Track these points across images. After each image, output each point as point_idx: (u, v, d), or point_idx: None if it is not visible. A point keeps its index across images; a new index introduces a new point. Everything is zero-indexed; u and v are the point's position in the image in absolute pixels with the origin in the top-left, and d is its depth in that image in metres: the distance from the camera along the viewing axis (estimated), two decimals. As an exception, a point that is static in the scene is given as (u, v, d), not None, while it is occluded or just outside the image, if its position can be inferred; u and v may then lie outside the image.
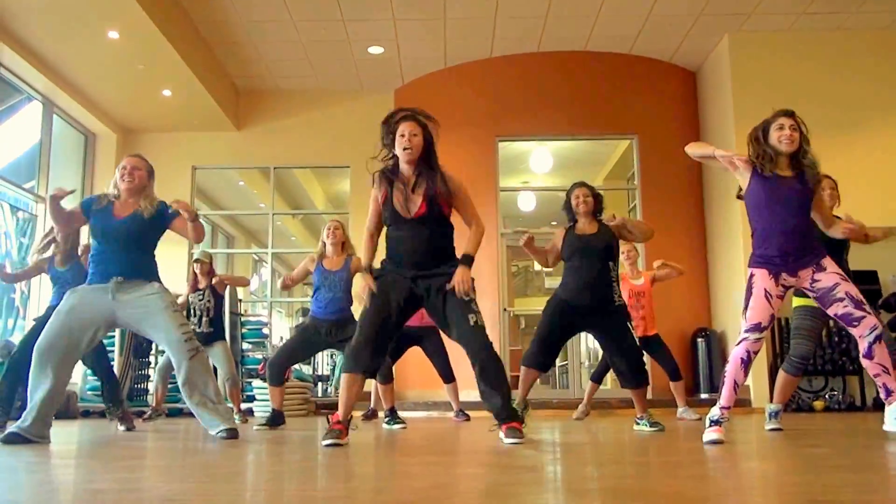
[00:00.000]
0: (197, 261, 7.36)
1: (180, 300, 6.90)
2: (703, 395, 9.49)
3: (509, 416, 3.94)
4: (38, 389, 4.05)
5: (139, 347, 9.20)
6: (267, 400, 8.15)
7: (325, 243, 6.05)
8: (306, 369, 11.53)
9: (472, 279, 4.02)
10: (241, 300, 10.90)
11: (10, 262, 8.81)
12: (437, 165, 4.05)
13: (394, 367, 6.85)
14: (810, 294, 3.98)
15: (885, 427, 3.81)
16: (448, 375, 6.97)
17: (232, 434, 4.10)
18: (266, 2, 9.00)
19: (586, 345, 11.41)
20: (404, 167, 4.06)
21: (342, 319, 5.84)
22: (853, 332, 3.84)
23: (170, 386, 7.27)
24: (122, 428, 5.91)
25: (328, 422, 3.90)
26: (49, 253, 6.14)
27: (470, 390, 9.25)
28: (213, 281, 7.28)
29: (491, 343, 3.99)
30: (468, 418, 7.31)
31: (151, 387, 8.26)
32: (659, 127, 10.55)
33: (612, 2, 9.10)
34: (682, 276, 10.10)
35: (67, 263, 5.95)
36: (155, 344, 8.40)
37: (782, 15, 9.40)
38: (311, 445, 4.29)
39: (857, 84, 9.53)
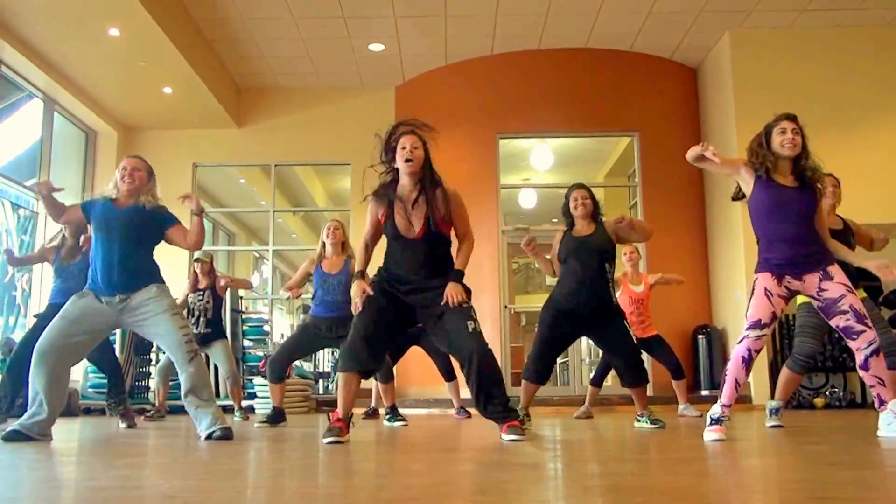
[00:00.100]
0: (197, 260, 7.36)
1: (179, 300, 6.91)
2: (704, 392, 9.49)
3: (509, 416, 3.94)
4: (38, 389, 4.05)
5: (140, 345, 9.21)
6: (268, 397, 8.17)
7: (324, 243, 6.02)
8: (307, 366, 11.54)
9: (469, 290, 4.02)
10: (242, 297, 10.91)
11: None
12: (437, 179, 4.06)
13: (394, 367, 6.86)
14: (815, 302, 3.96)
15: (880, 433, 3.83)
16: (449, 373, 6.97)
17: (226, 433, 4.10)
18: (267, -1, 9.01)
19: (587, 342, 11.38)
20: (405, 181, 4.06)
21: (342, 317, 5.83)
22: (851, 344, 3.86)
23: (171, 383, 7.27)
24: (123, 425, 5.92)
25: (329, 419, 3.91)
26: (56, 243, 6.14)
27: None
28: (219, 286, 7.28)
29: (489, 348, 3.95)
30: (469, 415, 7.32)
31: (153, 384, 8.27)
32: (660, 124, 10.55)
33: (612, -1, 9.10)
34: (683, 273, 10.06)
35: (75, 258, 5.94)
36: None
37: (783, 12, 9.39)
38: (311, 443, 4.29)
39: (857, 81, 9.53)
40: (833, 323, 3.90)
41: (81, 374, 9.03)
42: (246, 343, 10.33)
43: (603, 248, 4.98)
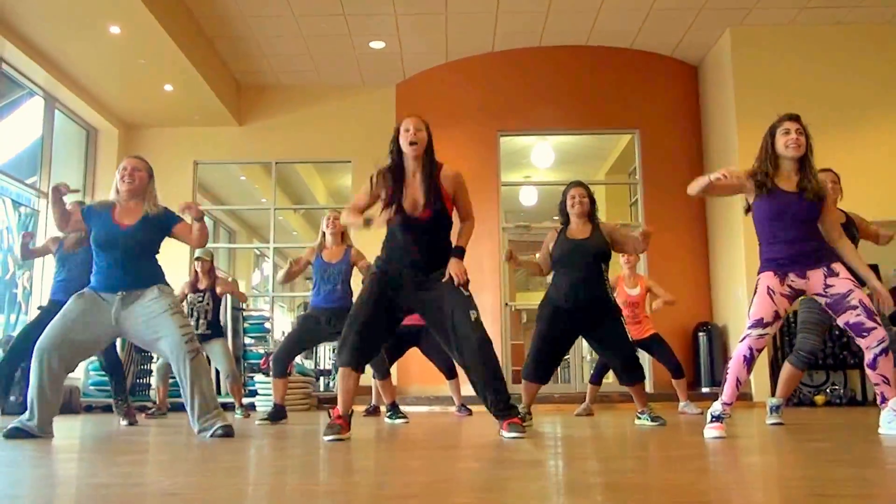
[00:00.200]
0: (198, 259, 7.36)
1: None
2: (705, 390, 9.50)
3: (510, 412, 3.94)
4: (37, 387, 4.04)
5: (141, 342, 9.21)
6: (269, 394, 8.17)
7: (324, 234, 6.05)
8: (308, 364, 11.55)
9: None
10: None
11: (13, 258, 8.84)
12: (439, 163, 4.10)
13: (393, 365, 6.86)
14: (822, 300, 3.93)
15: (881, 431, 3.83)
16: (450, 371, 6.97)
17: (227, 431, 4.10)
18: (267, -4, 9.01)
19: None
20: (409, 164, 4.08)
21: (341, 308, 5.84)
22: (861, 342, 3.82)
23: (170, 380, 7.27)
24: (124, 423, 5.93)
25: (329, 416, 3.92)
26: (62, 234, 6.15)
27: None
28: (218, 291, 7.28)
29: (490, 340, 3.97)
30: (470, 413, 7.32)
31: (153, 382, 8.27)
32: (660, 121, 10.55)
33: (613, -4, 9.10)
34: (684, 271, 10.18)
35: (81, 245, 5.92)
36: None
37: (783, 9, 9.38)
38: (312, 440, 4.29)
39: (858, 79, 9.52)
40: (842, 320, 3.86)
41: (83, 371, 9.04)
42: (247, 341, 10.34)
43: (599, 250, 4.97)
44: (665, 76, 10.69)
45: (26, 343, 5.69)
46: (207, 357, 7.15)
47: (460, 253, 4.07)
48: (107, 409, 8.73)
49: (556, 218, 5.22)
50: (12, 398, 7.23)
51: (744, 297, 8.92)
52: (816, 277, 3.88)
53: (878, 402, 3.90)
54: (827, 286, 3.86)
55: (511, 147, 11.19)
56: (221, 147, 11.36)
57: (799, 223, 3.91)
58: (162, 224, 4.34)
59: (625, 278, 7.00)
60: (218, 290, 7.30)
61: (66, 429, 5.34)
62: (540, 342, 5.01)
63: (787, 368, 5.05)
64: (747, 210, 4.12)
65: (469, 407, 7.42)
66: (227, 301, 9.03)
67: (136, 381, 9.31)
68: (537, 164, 11.71)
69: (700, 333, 9.84)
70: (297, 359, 7.41)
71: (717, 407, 3.86)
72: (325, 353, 13.53)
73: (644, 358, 6.88)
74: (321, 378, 11.72)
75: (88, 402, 9.02)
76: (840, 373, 9.17)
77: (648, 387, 8.94)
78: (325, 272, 5.88)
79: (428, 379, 8.85)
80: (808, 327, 5.00)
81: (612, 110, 10.50)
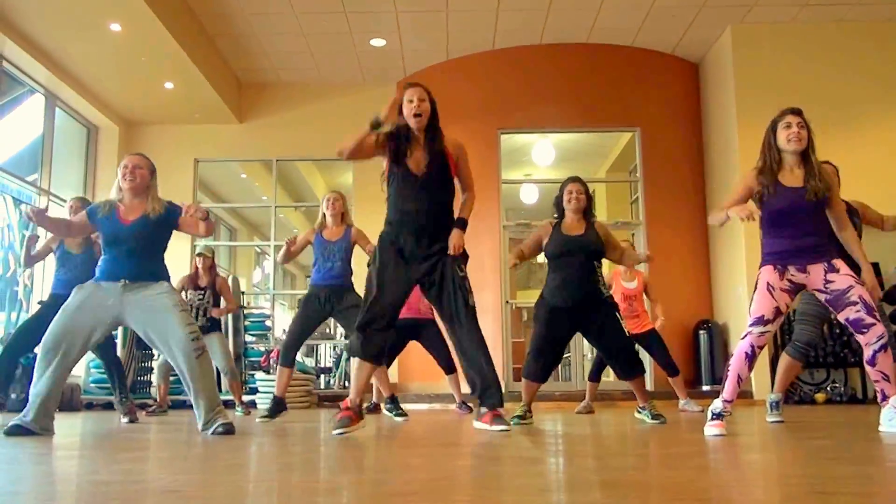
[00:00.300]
0: (200, 255, 7.35)
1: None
2: (706, 388, 9.50)
3: (499, 403, 3.97)
4: (40, 383, 4.05)
5: (142, 340, 9.21)
6: (269, 392, 8.16)
7: (325, 214, 6.07)
8: (309, 361, 11.56)
9: (467, 255, 4.13)
10: (244, 293, 10.92)
11: (14, 255, 8.84)
12: (440, 130, 4.16)
13: (394, 360, 6.85)
14: (822, 296, 3.93)
15: (881, 429, 3.83)
16: (449, 366, 6.96)
17: (228, 428, 4.11)
18: (268, -6, 9.01)
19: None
20: (414, 133, 4.11)
21: (340, 286, 5.86)
22: (860, 338, 3.82)
23: (171, 378, 7.26)
24: (125, 420, 5.93)
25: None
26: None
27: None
28: (217, 287, 7.27)
29: (480, 329, 4.02)
30: (470, 410, 7.32)
31: (155, 379, 8.27)
32: (661, 119, 10.55)
33: (614, -6, 9.09)
34: (684, 269, 10.19)
35: (80, 246, 5.93)
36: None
37: (784, 7, 9.37)
38: (313, 437, 4.30)
39: (859, 77, 9.52)
40: (842, 316, 3.86)
41: (83, 369, 9.04)
42: (248, 338, 10.34)
43: (593, 248, 4.98)
44: (666, 74, 10.68)
45: (25, 337, 5.70)
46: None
47: (463, 224, 4.13)
48: (107, 406, 8.73)
49: (557, 216, 5.20)
50: (13, 395, 7.24)
51: (744, 295, 8.92)
52: (817, 272, 3.88)
53: (879, 399, 3.90)
54: (827, 282, 3.86)
55: (512, 145, 11.19)
56: (222, 145, 11.36)
57: (807, 217, 3.90)
58: (166, 219, 4.32)
59: (621, 273, 6.97)
60: (214, 313, 7.25)
61: (67, 426, 5.34)
62: (538, 342, 5.01)
63: (784, 360, 5.08)
64: (760, 201, 4.07)
65: (469, 404, 7.42)
66: (234, 300, 9.02)
67: (136, 379, 9.32)
68: (538, 161, 11.71)
69: (701, 331, 9.84)
70: (298, 357, 7.40)
71: (717, 404, 3.86)
72: (326, 351, 13.54)
73: (644, 353, 6.88)
74: (321, 376, 11.72)
75: (89, 399, 9.02)
76: (841, 370, 9.17)
77: (649, 385, 8.93)
78: (325, 250, 5.91)
79: (428, 376, 8.85)
80: (805, 319, 5.03)
81: (613, 108, 10.49)
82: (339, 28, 9.71)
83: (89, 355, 7.27)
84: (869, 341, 3.78)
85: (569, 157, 12.05)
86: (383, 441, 4.01)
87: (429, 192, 4.07)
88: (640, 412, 5.20)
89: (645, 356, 7.06)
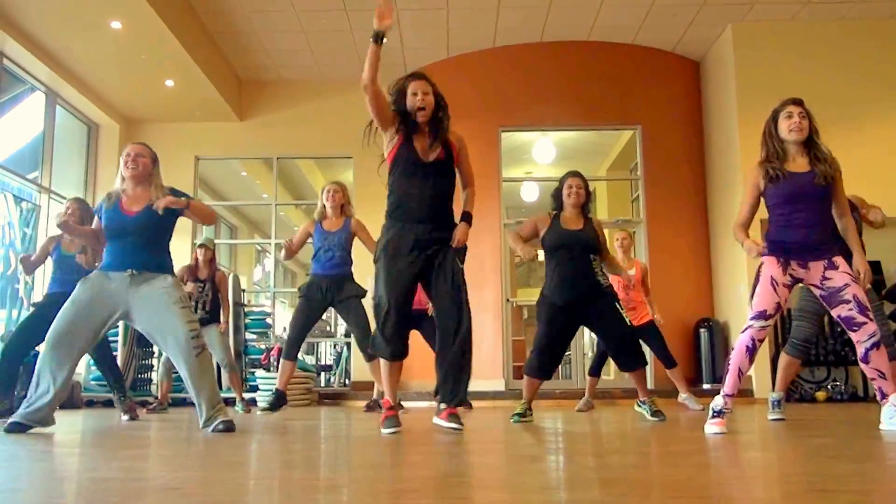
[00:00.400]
0: (201, 246, 7.31)
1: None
2: (706, 386, 9.49)
3: (454, 401, 3.99)
4: (44, 374, 4.04)
5: (143, 337, 9.21)
6: (270, 390, 8.16)
7: (324, 205, 6.07)
8: (309, 359, 11.56)
9: (465, 248, 4.17)
10: (244, 291, 10.92)
11: (14, 253, 8.84)
12: (445, 121, 4.17)
13: None
14: (817, 291, 3.95)
15: (882, 427, 3.83)
16: None
17: (228, 426, 4.11)
18: (268, -9, 9.00)
19: (588, 335, 11.42)
20: (420, 123, 4.12)
21: (341, 276, 5.87)
22: (852, 335, 3.85)
23: (174, 375, 7.26)
24: (125, 418, 5.93)
25: (380, 407, 3.97)
26: (57, 233, 6.15)
27: (473, 379, 9.28)
28: (218, 286, 7.26)
29: (471, 329, 4.02)
30: (471, 407, 7.33)
31: (156, 377, 8.27)
32: (662, 117, 10.54)
33: (615, -9, 9.08)
34: (685, 267, 10.18)
35: (78, 249, 5.92)
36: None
37: (785, 5, 9.36)
38: (313, 435, 4.30)
39: (861, 74, 9.50)
40: (835, 313, 3.89)
41: (84, 366, 9.04)
42: (248, 336, 10.34)
43: (591, 243, 5.03)
44: (667, 72, 10.67)
45: (24, 337, 5.71)
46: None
47: (469, 218, 4.16)
48: (108, 403, 8.73)
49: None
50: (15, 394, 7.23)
51: (745, 293, 8.91)
52: (816, 269, 3.91)
53: (878, 397, 3.91)
54: (825, 279, 3.88)
55: (512, 143, 11.19)
56: (222, 142, 11.36)
57: (814, 204, 3.91)
58: (168, 211, 4.27)
59: (619, 262, 6.96)
60: (222, 328, 7.25)
61: (68, 423, 5.34)
62: (542, 340, 5.03)
63: (783, 358, 5.13)
64: (766, 189, 4.04)
65: (469, 402, 7.42)
66: (230, 296, 9.02)
67: (137, 377, 9.32)
68: (538, 159, 11.70)
69: (701, 329, 9.83)
70: (299, 355, 7.40)
71: (718, 402, 3.87)
72: (326, 349, 13.55)
73: (646, 348, 6.87)
74: (322, 374, 11.73)
75: (90, 396, 9.02)
76: (841, 369, 9.17)
77: (650, 382, 8.94)
78: (324, 241, 5.94)
79: (428, 374, 8.82)
80: (802, 315, 5.08)
81: (614, 106, 10.49)
82: (340, 25, 9.70)
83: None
84: (860, 339, 3.81)
85: (569, 155, 12.04)
86: (383, 438, 4.01)
87: (434, 179, 4.07)
88: (639, 406, 5.22)
89: (645, 350, 7.06)
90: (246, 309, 10.56)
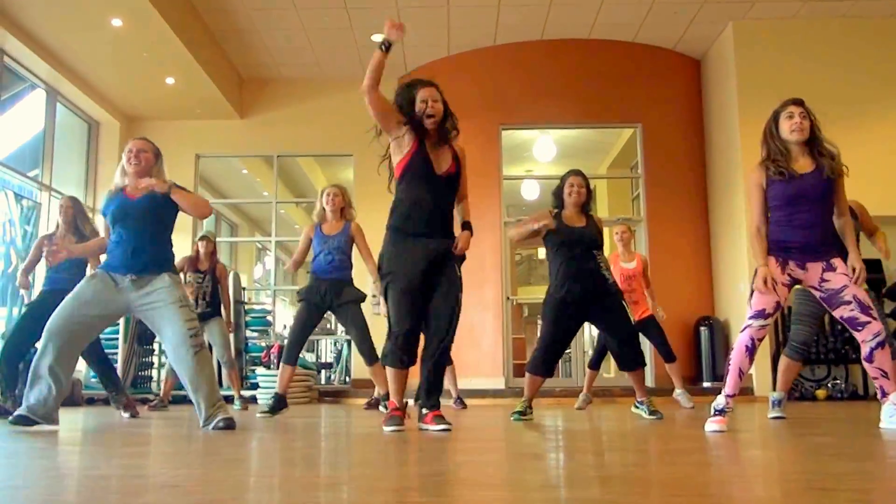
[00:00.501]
0: (203, 238, 7.29)
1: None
2: (706, 384, 9.49)
3: (437, 404, 4.08)
4: (44, 370, 4.04)
5: (143, 335, 9.23)
6: (270, 388, 8.17)
7: (324, 209, 6.08)
8: (309, 357, 11.56)
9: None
10: (245, 288, 10.93)
11: (15, 251, 8.84)
12: (454, 130, 4.18)
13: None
14: (817, 293, 3.95)
15: (881, 425, 3.84)
16: None
17: (229, 424, 4.11)
18: (269, -11, 9.00)
19: (589, 333, 11.42)
20: (430, 128, 4.11)
21: (340, 280, 5.88)
22: (857, 335, 3.84)
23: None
24: (125, 415, 5.92)
25: (385, 409, 3.99)
26: (50, 231, 6.17)
27: (472, 377, 9.30)
28: (219, 279, 7.25)
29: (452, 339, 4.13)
30: (465, 406, 7.34)
31: (163, 374, 8.25)
32: (663, 115, 10.53)
33: (616, -11, 9.08)
34: (686, 265, 10.19)
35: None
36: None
37: (787, 3, 9.35)
38: (313, 433, 4.30)
39: (863, 73, 9.49)
40: (837, 314, 3.88)
41: (85, 364, 9.04)
42: (249, 334, 10.35)
43: (594, 240, 5.06)
44: (667, 70, 10.66)
45: (22, 335, 5.71)
46: (210, 345, 7.15)
47: (470, 227, 4.20)
48: (109, 401, 8.74)
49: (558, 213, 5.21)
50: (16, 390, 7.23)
51: (746, 291, 8.91)
52: (814, 270, 3.90)
53: (879, 396, 3.91)
54: (823, 280, 3.88)
55: (513, 141, 11.18)
56: (223, 140, 11.36)
57: (815, 205, 3.91)
58: (170, 200, 4.26)
59: (620, 253, 6.97)
60: (221, 279, 7.26)
61: (68, 421, 5.35)
62: (547, 339, 5.04)
63: (783, 361, 5.16)
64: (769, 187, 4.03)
65: (464, 400, 7.45)
66: (230, 293, 9.02)
67: (138, 374, 9.33)
68: (539, 157, 11.70)
69: (701, 327, 9.84)
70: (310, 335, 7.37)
71: (720, 400, 3.88)
72: (327, 347, 13.55)
73: (645, 348, 6.88)
74: (322, 371, 11.73)
75: (90, 394, 9.02)
76: (841, 367, 9.17)
77: (649, 380, 8.94)
78: (324, 244, 5.94)
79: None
80: (801, 318, 5.10)
81: (615, 104, 10.48)
82: (341, 24, 9.70)
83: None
84: (865, 339, 3.80)
85: (570, 153, 12.03)
86: (382, 436, 4.01)
87: (445, 193, 4.10)
88: (637, 406, 5.23)
89: (644, 347, 7.06)
90: (246, 307, 10.57)
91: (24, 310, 6.10)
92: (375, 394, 7.44)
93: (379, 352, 6.30)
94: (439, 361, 4.07)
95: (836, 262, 3.90)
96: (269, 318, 10.91)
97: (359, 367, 10.34)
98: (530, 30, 10.11)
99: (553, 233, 5.04)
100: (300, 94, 11.34)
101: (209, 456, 2.97)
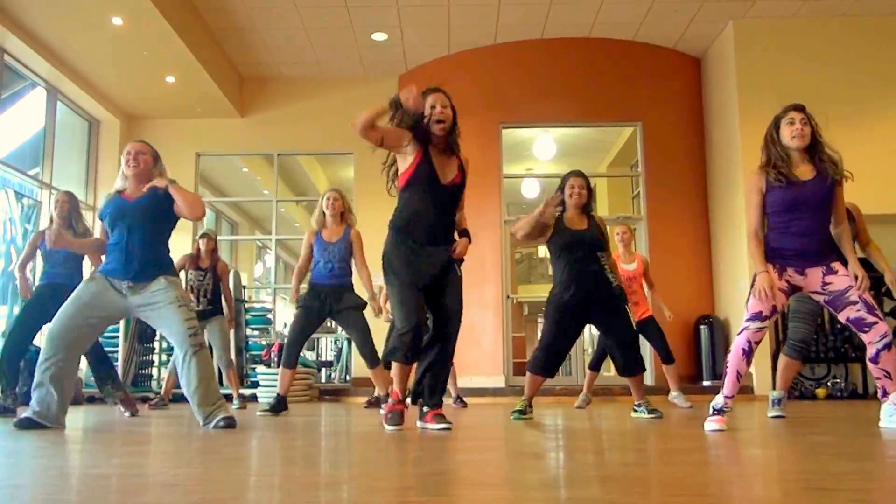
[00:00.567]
0: (204, 235, 7.28)
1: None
2: (706, 383, 9.50)
3: (440, 403, 4.08)
4: (46, 375, 4.04)
5: (143, 334, 9.23)
6: (270, 386, 8.18)
7: (324, 213, 6.07)
8: (310, 355, 11.57)
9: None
10: (245, 287, 10.93)
11: (16, 249, 8.85)
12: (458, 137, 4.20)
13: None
14: (820, 297, 3.94)
15: (881, 424, 3.84)
16: None
17: (229, 423, 4.11)
18: (269, -12, 9.00)
19: (589, 333, 11.43)
20: (436, 136, 4.11)
21: (340, 286, 5.88)
22: (863, 337, 3.82)
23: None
24: (126, 413, 5.92)
25: (381, 404, 3.99)
26: (42, 227, 6.17)
27: (472, 376, 9.30)
28: (220, 277, 7.25)
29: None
30: (465, 405, 7.34)
31: (164, 372, 8.25)
32: (663, 114, 10.53)
33: (616, -12, 9.08)
34: (686, 264, 10.18)
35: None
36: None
37: (787, 1, 9.35)
38: (313, 431, 4.31)
39: (863, 72, 9.48)
40: (843, 316, 3.86)
41: (86, 362, 9.05)
42: (249, 332, 10.35)
43: (597, 242, 5.03)
44: (668, 69, 10.66)
45: (23, 332, 5.72)
46: (210, 345, 7.14)
47: (469, 235, 4.24)
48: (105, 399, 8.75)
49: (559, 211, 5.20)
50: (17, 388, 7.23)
51: (746, 290, 8.91)
52: (815, 275, 3.89)
53: (879, 395, 3.90)
54: (825, 284, 3.87)
55: (513, 139, 11.18)
56: (223, 139, 11.35)
57: (814, 212, 3.90)
58: (168, 198, 4.26)
59: (621, 255, 6.97)
60: (222, 277, 7.26)
61: (69, 419, 5.32)
62: (549, 338, 5.03)
63: (782, 360, 5.16)
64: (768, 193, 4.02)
65: (464, 399, 7.45)
66: (231, 289, 9.02)
67: (138, 372, 9.33)
68: (539, 156, 11.70)
69: (701, 326, 9.84)
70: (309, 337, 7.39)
71: (718, 400, 3.88)
72: (327, 345, 13.56)
73: (644, 350, 6.88)
74: (322, 369, 11.74)
75: (91, 392, 9.02)
76: (841, 366, 9.17)
77: (648, 379, 8.95)
78: (324, 251, 5.95)
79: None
80: (798, 316, 5.11)
81: (615, 103, 10.48)
82: (341, 22, 9.69)
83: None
84: (872, 340, 3.78)
85: (570, 151, 12.03)
86: (382, 436, 4.02)
87: (448, 203, 4.11)
88: (636, 410, 5.22)
89: (645, 349, 7.07)
90: (247, 305, 10.57)
91: (22, 306, 6.10)
92: (376, 393, 7.46)
93: (380, 352, 6.37)
94: (443, 361, 4.08)
95: (837, 265, 3.89)
96: (270, 316, 10.92)
97: (359, 366, 10.34)
98: (530, 29, 10.11)
99: (556, 237, 5.03)
100: (300, 92, 11.34)
101: (209, 455, 2.98)
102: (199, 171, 11.40)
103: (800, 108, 3.98)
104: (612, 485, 2.09)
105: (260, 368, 9.31)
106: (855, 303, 3.80)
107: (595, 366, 6.96)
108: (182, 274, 7.12)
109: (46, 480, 2.30)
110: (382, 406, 6.17)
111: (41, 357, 4.06)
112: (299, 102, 11.32)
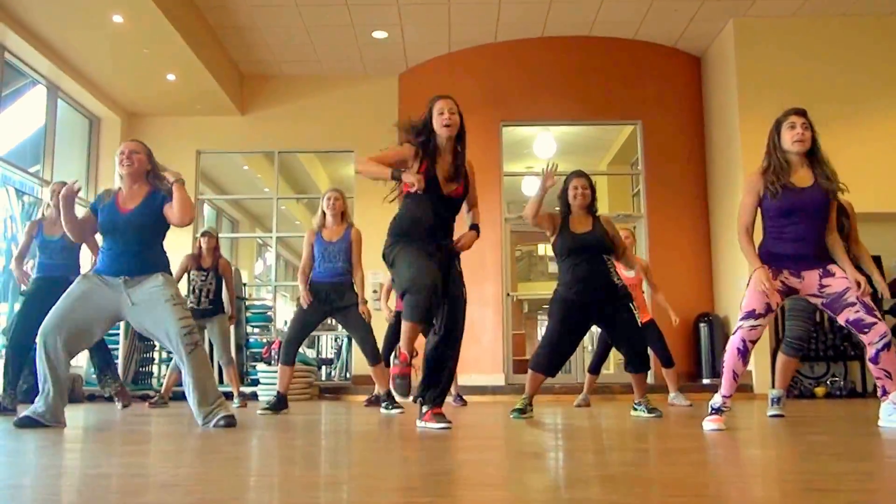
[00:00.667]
0: (205, 233, 7.27)
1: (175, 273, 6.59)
2: (706, 381, 9.50)
3: (441, 402, 4.08)
4: (43, 372, 4.04)
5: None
6: (271, 384, 8.18)
7: (324, 213, 6.08)
8: (310, 353, 11.58)
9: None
10: (245, 284, 10.94)
11: (16, 247, 8.85)
12: (465, 147, 4.22)
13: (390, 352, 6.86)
14: (818, 300, 3.94)
15: (880, 424, 3.84)
16: None
17: (230, 421, 4.11)
18: (270, -14, 8.99)
19: (589, 332, 11.45)
20: (442, 143, 4.13)
21: (341, 284, 5.90)
22: (863, 338, 3.82)
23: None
24: (119, 405, 5.90)
25: (386, 409, 3.95)
26: (38, 216, 6.16)
27: (473, 374, 9.31)
28: (222, 275, 7.24)
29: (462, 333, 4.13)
30: (465, 403, 7.34)
31: (167, 370, 8.25)
32: (663, 112, 10.53)
33: (617, -14, 9.07)
34: (686, 262, 10.18)
35: (60, 232, 5.87)
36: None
37: (787, 0, 9.34)
38: (314, 430, 4.31)
39: (863, 71, 9.48)
40: (842, 318, 3.86)
41: (86, 360, 9.06)
42: (249, 330, 10.36)
43: (601, 244, 5.01)
44: (668, 67, 10.66)
45: (25, 327, 5.72)
46: (210, 343, 7.15)
47: (478, 229, 4.25)
48: (110, 398, 8.75)
49: (558, 209, 5.20)
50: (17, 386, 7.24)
51: (745, 288, 8.91)
52: (811, 278, 3.89)
53: (879, 394, 3.90)
54: (822, 286, 3.87)
55: (513, 137, 11.18)
56: (224, 136, 11.35)
57: (810, 220, 3.90)
58: (159, 204, 4.25)
59: (621, 263, 6.96)
60: (223, 273, 7.26)
61: (69, 418, 5.33)
62: (552, 336, 5.02)
63: (780, 358, 5.18)
64: (766, 199, 4.02)
65: (463, 397, 7.45)
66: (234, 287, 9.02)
67: (139, 370, 9.33)
68: (539, 154, 11.70)
69: (701, 324, 9.84)
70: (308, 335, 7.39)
71: (717, 399, 3.88)
72: (327, 343, 13.57)
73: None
74: (323, 367, 11.75)
75: (91, 391, 9.03)
76: (840, 364, 9.18)
77: (649, 379, 8.94)
78: (325, 251, 5.95)
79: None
80: (795, 314, 5.12)
81: (615, 101, 10.48)
82: (341, 20, 9.69)
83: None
84: (872, 340, 3.78)
85: (570, 149, 12.03)
86: (382, 435, 4.03)
87: (447, 212, 4.14)
88: (636, 408, 5.21)
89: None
90: (247, 303, 10.58)
91: (22, 302, 6.11)
92: (376, 391, 7.46)
93: (380, 352, 6.39)
94: (448, 354, 4.05)
95: (833, 268, 3.89)
96: (270, 313, 10.92)
97: (359, 364, 10.35)
98: (531, 27, 10.11)
99: (560, 241, 5.03)
100: (301, 90, 11.34)
101: (209, 454, 2.98)
102: (200, 168, 11.40)
103: (801, 113, 3.97)
104: (612, 485, 2.09)
105: (260, 366, 9.31)
106: (853, 304, 3.80)
107: (594, 369, 6.96)
108: (185, 276, 7.13)
109: (46, 480, 2.30)
110: (382, 405, 6.19)
111: (37, 353, 4.06)
112: (300, 100, 11.31)
